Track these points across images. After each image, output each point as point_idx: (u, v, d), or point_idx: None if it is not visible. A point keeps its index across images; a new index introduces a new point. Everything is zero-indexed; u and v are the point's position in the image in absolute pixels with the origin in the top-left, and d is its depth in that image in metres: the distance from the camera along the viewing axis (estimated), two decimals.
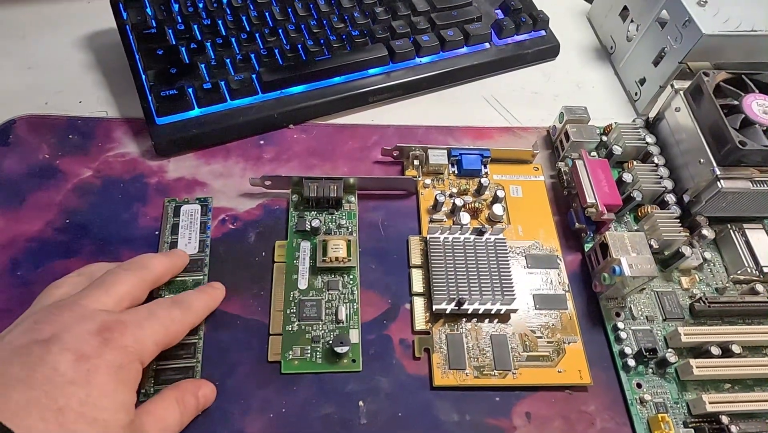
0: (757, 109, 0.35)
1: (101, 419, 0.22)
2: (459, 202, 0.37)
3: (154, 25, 0.40)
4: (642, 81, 0.45)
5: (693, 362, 0.32)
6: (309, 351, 0.31)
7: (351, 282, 0.34)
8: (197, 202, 0.36)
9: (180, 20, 0.41)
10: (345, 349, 0.31)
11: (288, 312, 0.32)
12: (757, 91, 0.36)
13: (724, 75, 0.37)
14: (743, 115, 0.35)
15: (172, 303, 0.29)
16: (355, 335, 0.32)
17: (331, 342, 0.31)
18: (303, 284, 0.33)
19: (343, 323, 0.32)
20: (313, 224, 0.35)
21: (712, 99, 0.35)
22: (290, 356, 0.31)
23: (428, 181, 0.39)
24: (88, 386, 0.23)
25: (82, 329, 0.24)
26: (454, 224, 0.37)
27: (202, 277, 0.33)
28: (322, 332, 0.32)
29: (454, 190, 0.39)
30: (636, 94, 0.46)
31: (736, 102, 0.36)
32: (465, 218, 0.37)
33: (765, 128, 0.35)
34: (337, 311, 0.33)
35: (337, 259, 0.34)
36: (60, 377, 0.22)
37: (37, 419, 0.21)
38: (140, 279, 0.28)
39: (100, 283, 0.27)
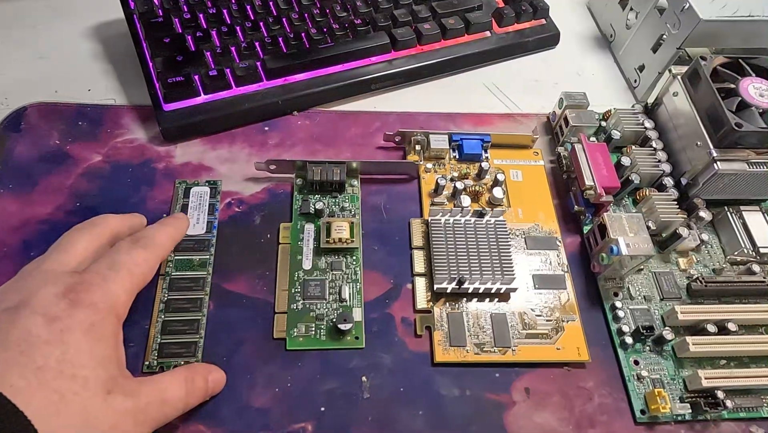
0: (754, 92, 0.36)
1: (81, 375, 0.23)
2: (460, 185, 0.38)
3: (161, 14, 0.41)
4: (641, 68, 0.46)
5: (690, 339, 0.32)
6: (313, 328, 0.32)
7: (354, 263, 0.35)
8: (207, 184, 0.37)
9: (186, 9, 0.41)
10: (348, 326, 0.32)
11: (293, 291, 0.33)
12: (753, 75, 0.37)
13: (721, 59, 0.38)
14: (740, 98, 0.36)
15: (133, 243, 0.28)
16: (358, 314, 0.33)
17: (334, 320, 0.32)
18: (307, 265, 0.34)
19: (346, 301, 0.33)
20: (316, 207, 0.36)
21: (709, 83, 0.36)
22: (295, 333, 0.32)
23: (429, 165, 0.40)
24: (63, 345, 0.23)
25: (48, 293, 0.24)
26: (455, 207, 0.37)
27: (208, 256, 0.34)
28: (326, 310, 0.33)
29: (455, 174, 0.39)
30: (635, 81, 0.47)
31: (733, 86, 0.36)
32: (466, 200, 0.37)
33: (761, 111, 0.35)
34: (340, 291, 0.33)
35: (340, 240, 0.34)
36: (35, 338, 0.22)
37: (17, 378, 0.21)
38: (96, 234, 0.28)
39: (57, 245, 0.27)
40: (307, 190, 0.37)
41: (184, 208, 0.35)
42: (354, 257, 0.35)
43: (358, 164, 0.38)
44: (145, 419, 0.25)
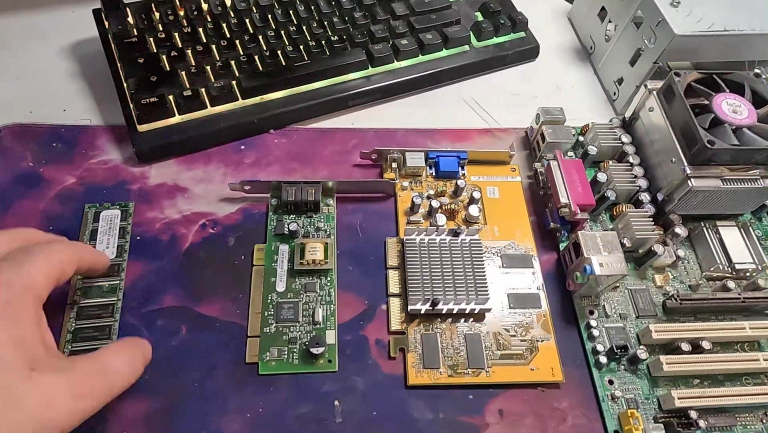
0: (727, 108, 0.36)
1: None
2: (435, 204, 0.38)
3: (135, 33, 0.41)
4: (620, 81, 0.46)
5: (663, 358, 0.32)
6: (286, 352, 0.32)
7: (328, 284, 0.34)
8: (117, 207, 0.36)
9: (161, 28, 0.41)
10: (321, 350, 0.31)
11: (266, 314, 0.33)
12: (727, 90, 0.37)
13: (695, 75, 0.38)
14: (713, 115, 0.36)
15: (50, 241, 0.29)
16: (331, 336, 0.33)
17: (307, 343, 0.32)
18: (281, 287, 0.34)
19: (320, 324, 0.33)
20: (291, 228, 0.36)
21: (682, 99, 0.36)
22: (267, 357, 0.32)
23: (406, 183, 0.40)
24: None
25: None
26: (430, 226, 0.37)
27: (118, 281, 0.33)
28: (299, 333, 0.33)
29: (432, 192, 0.39)
30: (614, 94, 0.47)
31: (706, 102, 0.36)
32: (441, 219, 0.37)
33: (734, 127, 0.35)
34: (314, 313, 0.33)
35: (314, 261, 0.34)
36: None
37: None
38: (13, 235, 0.29)
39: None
40: (282, 210, 0.37)
41: (94, 233, 0.35)
42: (328, 279, 0.35)
43: (334, 183, 0.38)
44: (88, 391, 0.24)
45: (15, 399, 0.22)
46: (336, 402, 0.31)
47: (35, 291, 0.25)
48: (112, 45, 0.41)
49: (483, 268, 0.35)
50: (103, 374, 0.25)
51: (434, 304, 0.33)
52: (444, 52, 0.46)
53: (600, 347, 0.34)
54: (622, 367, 0.34)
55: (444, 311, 0.34)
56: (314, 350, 0.31)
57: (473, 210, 0.38)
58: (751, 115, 0.36)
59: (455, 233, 0.36)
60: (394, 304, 0.34)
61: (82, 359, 0.25)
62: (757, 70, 0.39)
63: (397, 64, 0.44)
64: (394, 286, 0.35)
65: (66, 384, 0.24)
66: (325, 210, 0.37)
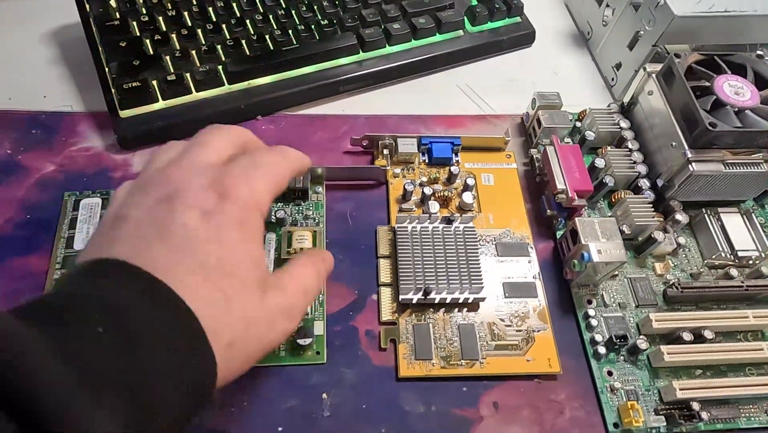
0: (729, 90, 0.35)
1: (239, 274, 0.22)
2: (428, 191, 0.36)
3: (118, 16, 0.39)
4: (618, 66, 0.45)
5: (664, 348, 0.31)
6: None
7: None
8: (98, 195, 0.35)
9: (144, 12, 0.40)
10: (308, 341, 0.30)
11: None
12: (729, 72, 0.36)
13: (696, 56, 0.36)
14: (714, 97, 0.34)
15: (268, 150, 0.27)
16: (319, 327, 0.31)
17: (294, 334, 0.31)
18: None
19: (307, 315, 0.32)
20: (278, 215, 0.34)
21: (683, 81, 0.35)
22: None
23: (398, 170, 0.38)
24: (220, 244, 0.22)
25: (196, 184, 0.23)
26: (423, 213, 0.36)
27: None
28: None
29: (425, 179, 0.38)
30: (613, 79, 0.45)
31: (708, 84, 0.35)
32: (434, 206, 0.36)
33: (736, 109, 0.34)
34: None
35: (302, 250, 0.33)
36: (193, 234, 0.22)
37: (184, 274, 0.21)
38: (234, 136, 0.27)
39: (197, 141, 0.26)
40: None
41: (73, 222, 0.34)
42: None
43: (324, 170, 0.36)
44: (296, 310, 0.25)
45: (252, 319, 0.22)
46: (324, 395, 0.30)
47: (262, 207, 0.25)
48: (94, 29, 0.39)
49: (477, 256, 0.34)
50: (304, 294, 0.25)
51: (426, 293, 0.32)
52: (437, 37, 0.44)
53: (599, 337, 0.32)
54: (622, 358, 0.32)
55: (437, 301, 0.32)
56: (301, 342, 0.30)
57: (467, 197, 0.37)
58: (754, 96, 0.34)
59: (448, 221, 0.35)
60: (385, 294, 0.33)
61: (288, 278, 0.25)
62: (759, 52, 0.38)
63: (389, 49, 0.43)
64: (385, 275, 0.34)
65: (283, 304, 0.24)
66: (314, 198, 0.36)
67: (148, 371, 0.18)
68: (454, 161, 0.39)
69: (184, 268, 0.21)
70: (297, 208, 0.36)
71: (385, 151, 0.39)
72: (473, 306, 0.33)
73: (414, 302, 0.32)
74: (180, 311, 0.20)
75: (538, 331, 0.33)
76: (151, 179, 0.24)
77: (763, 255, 0.35)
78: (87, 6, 0.40)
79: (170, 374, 0.19)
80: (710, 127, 0.33)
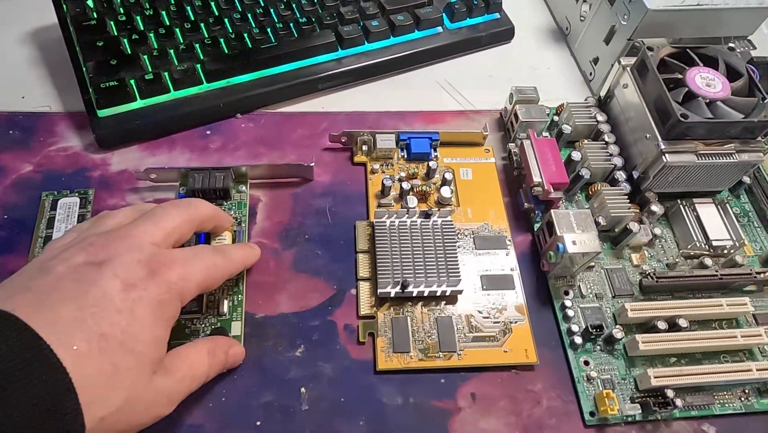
0: (701, 82, 0.35)
1: (137, 350, 0.23)
2: (406, 186, 0.37)
3: (95, 16, 0.39)
4: (595, 60, 0.45)
5: (639, 337, 0.31)
6: None
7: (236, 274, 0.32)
8: (76, 194, 0.35)
9: (122, 11, 0.40)
10: None
11: None
12: (701, 64, 0.36)
13: (668, 50, 0.37)
14: (686, 89, 0.35)
15: (214, 250, 0.29)
16: (237, 328, 0.31)
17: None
18: None
19: (225, 315, 0.31)
20: None
21: (655, 73, 0.35)
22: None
23: (377, 166, 0.39)
24: (131, 315, 0.23)
25: (132, 258, 0.24)
26: (401, 208, 0.36)
27: None
28: (203, 325, 0.31)
29: (403, 174, 0.38)
30: (591, 73, 0.46)
31: (680, 76, 0.36)
32: (412, 201, 0.36)
33: (708, 101, 0.34)
34: (219, 304, 0.32)
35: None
36: (108, 302, 0.23)
37: (81, 340, 0.21)
38: (188, 217, 0.28)
39: (151, 216, 0.27)
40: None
41: (51, 221, 0.34)
42: None
43: (248, 169, 0.36)
44: (177, 396, 0.25)
45: (136, 396, 0.23)
46: (302, 389, 0.30)
47: (184, 297, 0.26)
48: (71, 29, 0.39)
49: (455, 249, 0.34)
50: (191, 381, 0.26)
51: (404, 286, 0.32)
52: (416, 34, 0.45)
53: (575, 328, 0.33)
54: (598, 347, 0.33)
55: (414, 294, 0.33)
56: None
57: (445, 191, 0.37)
58: (725, 88, 0.35)
59: (427, 215, 0.35)
60: (364, 288, 0.33)
61: (180, 363, 0.26)
62: (731, 44, 0.38)
63: (367, 47, 0.43)
64: (363, 270, 0.34)
65: (166, 390, 0.25)
66: (237, 197, 0.36)
67: (2, 424, 0.18)
68: (433, 156, 0.39)
69: (86, 333, 0.21)
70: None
71: (364, 147, 0.39)
72: (451, 299, 0.33)
73: (392, 295, 0.33)
74: (55, 374, 0.20)
75: (516, 322, 0.33)
76: (91, 241, 0.25)
77: (737, 244, 0.36)
78: (64, 6, 0.40)
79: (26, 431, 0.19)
80: (682, 119, 0.33)
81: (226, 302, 0.32)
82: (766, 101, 0.35)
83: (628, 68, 0.38)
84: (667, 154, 0.34)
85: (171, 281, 0.25)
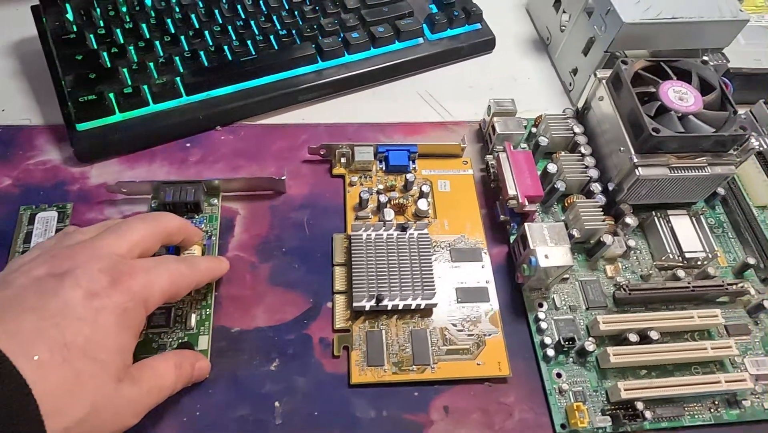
0: (673, 95, 0.35)
1: (101, 358, 0.23)
2: (384, 198, 0.37)
3: (74, 30, 0.40)
4: (575, 71, 0.45)
5: (610, 349, 0.32)
6: None
7: (205, 288, 0.33)
8: (54, 208, 0.35)
9: (101, 24, 0.40)
10: None
11: None
12: (674, 77, 0.37)
13: (643, 63, 0.37)
14: (659, 103, 0.35)
15: (180, 259, 0.29)
16: (204, 342, 0.31)
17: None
18: None
19: (193, 329, 0.32)
20: None
21: (629, 87, 0.35)
22: None
23: (355, 178, 0.39)
24: (94, 324, 0.23)
25: (94, 267, 0.24)
26: (379, 221, 0.37)
27: None
28: (170, 339, 0.31)
29: (381, 186, 0.39)
30: (570, 84, 0.46)
31: (654, 90, 0.36)
32: (389, 214, 0.37)
33: (680, 115, 0.35)
34: (187, 318, 0.32)
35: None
36: (71, 311, 0.23)
37: (44, 350, 0.21)
38: (153, 230, 0.28)
39: (116, 229, 0.27)
40: (162, 211, 0.35)
41: (28, 236, 0.34)
42: None
43: (220, 182, 0.36)
44: (143, 407, 0.25)
45: (100, 405, 0.23)
46: (276, 403, 0.30)
47: (149, 304, 0.26)
48: (50, 42, 0.39)
49: (430, 263, 0.34)
50: (158, 391, 0.26)
51: (379, 300, 0.33)
52: (397, 45, 0.45)
53: (548, 340, 0.33)
54: (571, 360, 0.33)
55: (389, 308, 0.33)
56: None
57: (422, 204, 0.37)
58: (697, 102, 0.35)
59: (403, 228, 0.35)
60: (340, 301, 0.34)
61: (148, 373, 0.26)
62: (705, 58, 0.39)
63: (348, 58, 0.43)
64: (340, 283, 0.34)
65: (133, 400, 0.25)
66: (208, 210, 0.36)
67: None
68: (411, 168, 0.40)
69: (48, 343, 0.22)
70: (190, 222, 0.35)
71: (343, 160, 0.39)
72: (426, 312, 0.34)
73: (367, 309, 0.33)
74: (13, 386, 0.20)
75: (490, 335, 0.33)
76: (54, 254, 0.25)
77: (710, 256, 0.36)
78: (43, 19, 0.40)
79: None
80: (654, 133, 0.33)
81: (194, 315, 0.32)
82: (737, 115, 0.35)
83: (604, 81, 0.38)
84: (640, 168, 0.35)
85: (134, 289, 0.25)
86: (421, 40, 0.46)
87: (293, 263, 0.35)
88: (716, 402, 0.32)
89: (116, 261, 0.25)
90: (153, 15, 0.41)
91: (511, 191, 0.36)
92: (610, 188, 0.38)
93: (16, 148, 0.38)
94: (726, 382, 0.31)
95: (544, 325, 0.34)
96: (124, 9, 0.41)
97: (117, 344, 0.24)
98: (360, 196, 0.37)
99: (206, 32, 0.41)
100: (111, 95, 0.38)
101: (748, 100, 0.43)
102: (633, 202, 0.37)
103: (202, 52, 0.40)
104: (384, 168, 0.39)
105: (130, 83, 0.38)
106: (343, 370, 0.32)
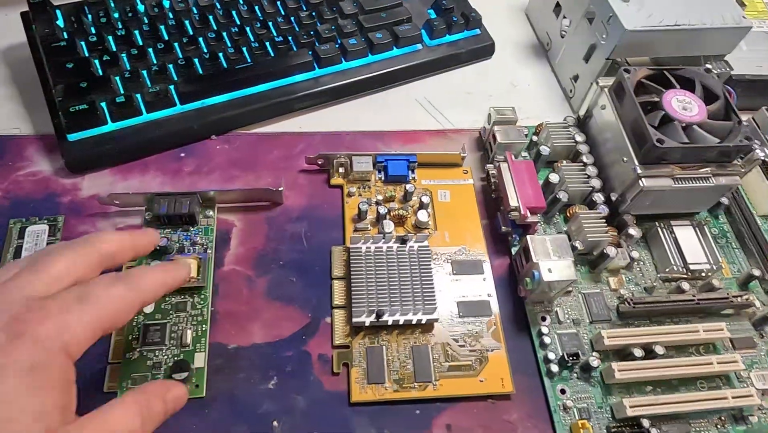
0: (677, 105, 0.35)
1: (12, 429, 0.19)
2: (383, 210, 0.36)
3: (65, 37, 0.39)
4: (576, 78, 0.45)
5: (615, 365, 0.31)
6: (149, 379, 0.30)
7: (201, 303, 0.32)
8: (45, 222, 0.34)
9: (93, 31, 0.39)
10: (183, 375, 0.29)
11: (129, 338, 0.31)
12: (678, 86, 0.36)
13: (645, 71, 0.37)
14: (663, 113, 0.35)
15: (115, 279, 0.24)
16: (200, 359, 0.30)
17: (172, 367, 0.30)
18: (149, 308, 0.32)
19: (188, 346, 0.31)
20: (160, 243, 0.32)
21: (632, 96, 0.35)
22: (127, 387, 0.29)
23: (354, 189, 0.38)
24: None
25: None
26: (378, 233, 0.36)
27: None
28: (165, 357, 0.30)
29: (381, 197, 0.38)
30: (571, 91, 0.46)
31: (657, 99, 0.35)
32: (389, 226, 0.36)
33: (684, 125, 0.34)
34: (182, 335, 0.31)
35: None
36: None
37: None
38: (82, 255, 0.24)
39: (33, 262, 0.23)
40: (156, 224, 0.34)
41: (18, 250, 0.33)
42: (202, 296, 0.32)
43: (216, 193, 0.35)
44: None
45: None
46: (275, 422, 0.30)
47: (71, 349, 0.21)
48: (40, 49, 0.38)
49: (431, 276, 0.33)
50: None
51: (379, 315, 0.32)
52: (395, 52, 0.44)
53: (552, 355, 0.32)
54: (575, 375, 0.32)
55: (390, 323, 0.32)
56: (177, 376, 0.29)
57: (422, 215, 0.36)
58: (701, 111, 0.35)
59: (403, 240, 0.35)
60: (339, 316, 0.33)
61: (91, 424, 0.21)
62: (708, 66, 0.38)
63: (345, 65, 0.43)
64: (339, 297, 0.34)
65: None
66: (204, 222, 0.35)
67: None
68: (410, 178, 0.39)
69: None
70: (186, 234, 0.34)
71: (341, 170, 0.38)
72: (427, 327, 0.33)
73: (367, 324, 0.32)
74: None
75: (492, 350, 0.33)
76: None
77: (714, 267, 0.36)
78: (33, 26, 0.39)
79: None
80: (657, 144, 0.33)
81: (189, 332, 0.31)
82: (741, 125, 0.34)
83: (606, 89, 0.38)
84: (643, 179, 0.34)
85: (41, 338, 0.21)
86: (419, 46, 0.45)
87: (291, 277, 0.34)
88: (723, 418, 0.32)
89: (19, 309, 0.21)
90: (146, 21, 0.40)
91: (513, 202, 0.35)
92: (613, 198, 0.37)
93: (5, 159, 0.37)
94: (733, 398, 0.31)
95: (547, 339, 0.33)
96: (116, 15, 0.40)
97: (28, 410, 0.20)
98: (359, 208, 0.36)
99: (200, 39, 0.41)
100: (103, 104, 0.37)
101: (749, 107, 0.43)
102: (636, 212, 0.37)
103: (196, 60, 0.40)
104: (383, 178, 0.39)
105: (122, 92, 0.37)
106: (343, 388, 0.31)
